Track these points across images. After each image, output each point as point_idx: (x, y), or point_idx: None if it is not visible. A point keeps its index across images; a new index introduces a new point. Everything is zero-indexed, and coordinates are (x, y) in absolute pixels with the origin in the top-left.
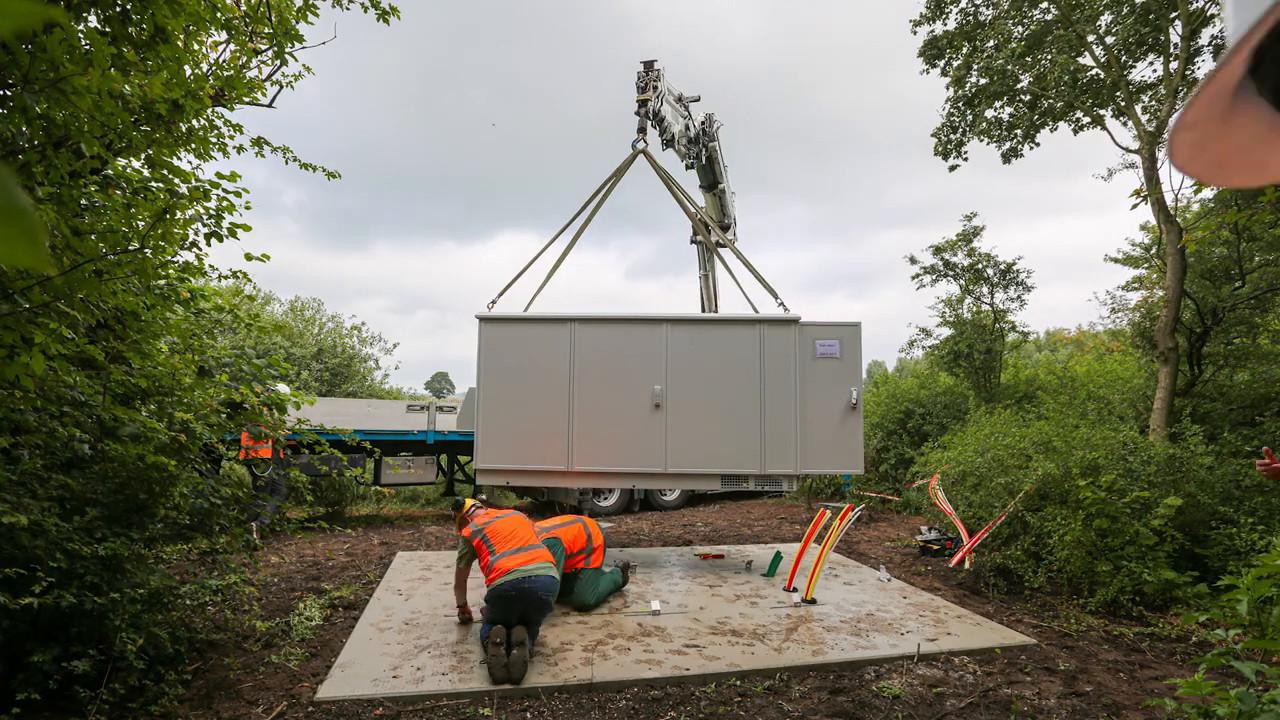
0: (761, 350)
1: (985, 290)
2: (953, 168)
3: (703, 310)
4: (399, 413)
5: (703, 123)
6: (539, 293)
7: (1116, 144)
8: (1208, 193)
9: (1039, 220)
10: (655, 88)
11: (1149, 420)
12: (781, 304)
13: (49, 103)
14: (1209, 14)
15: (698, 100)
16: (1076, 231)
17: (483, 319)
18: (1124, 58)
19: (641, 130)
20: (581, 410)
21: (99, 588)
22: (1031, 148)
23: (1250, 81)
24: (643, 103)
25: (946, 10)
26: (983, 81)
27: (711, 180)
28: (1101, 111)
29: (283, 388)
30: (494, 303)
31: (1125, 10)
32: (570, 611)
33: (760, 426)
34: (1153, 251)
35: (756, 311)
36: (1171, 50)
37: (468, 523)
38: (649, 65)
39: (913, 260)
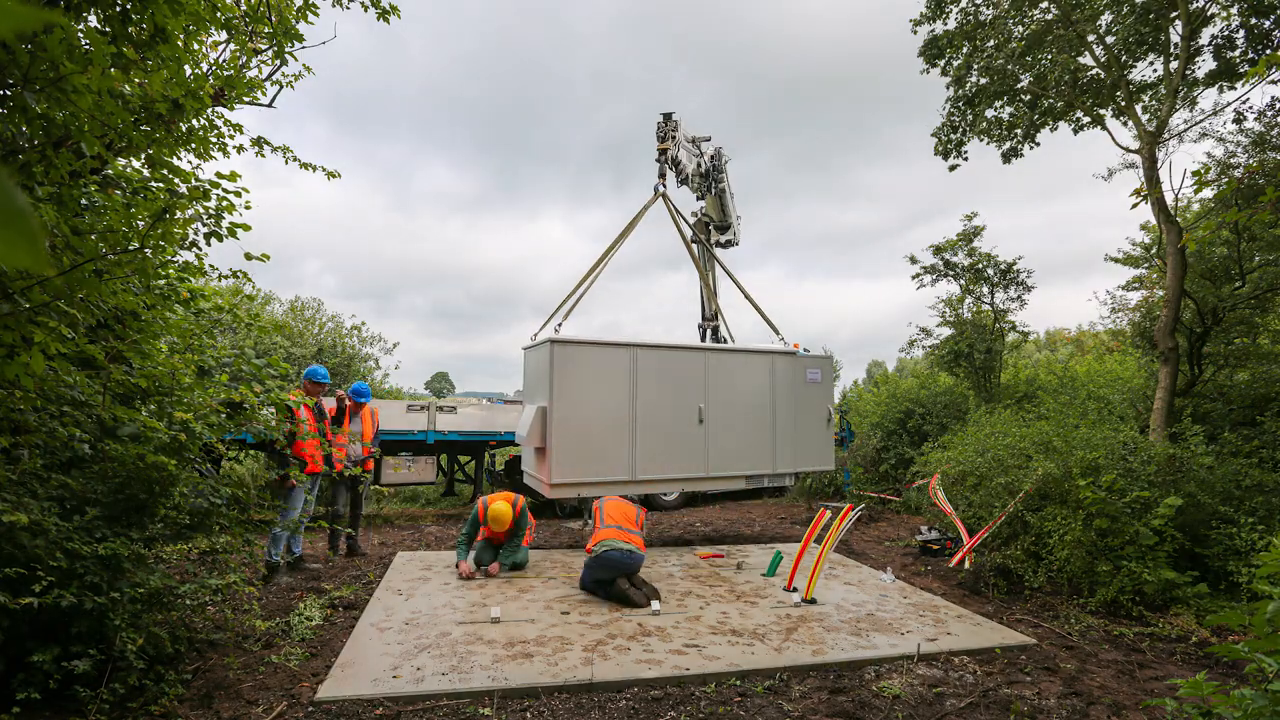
0: (773, 376)
1: (985, 290)
2: (953, 167)
3: (702, 309)
4: (399, 413)
5: (712, 157)
6: (571, 309)
7: (1116, 144)
8: (1208, 192)
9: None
10: (673, 137)
11: (1149, 420)
12: (782, 338)
13: (49, 102)
14: (1209, 14)
15: (709, 139)
16: None
17: (554, 341)
18: (1124, 57)
19: (661, 175)
20: (643, 425)
21: (99, 587)
22: (1031, 147)
23: None
24: (663, 151)
25: (946, 10)
26: (983, 81)
27: (721, 211)
28: (1101, 111)
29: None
30: (536, 334)
31: (1125, 10)
32: (571, 610)
33: (773, 435)
34: (1153, 251)
35: (761, 314)
36: (1171, 50)
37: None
38: (667, 116)
39: (913, 260)
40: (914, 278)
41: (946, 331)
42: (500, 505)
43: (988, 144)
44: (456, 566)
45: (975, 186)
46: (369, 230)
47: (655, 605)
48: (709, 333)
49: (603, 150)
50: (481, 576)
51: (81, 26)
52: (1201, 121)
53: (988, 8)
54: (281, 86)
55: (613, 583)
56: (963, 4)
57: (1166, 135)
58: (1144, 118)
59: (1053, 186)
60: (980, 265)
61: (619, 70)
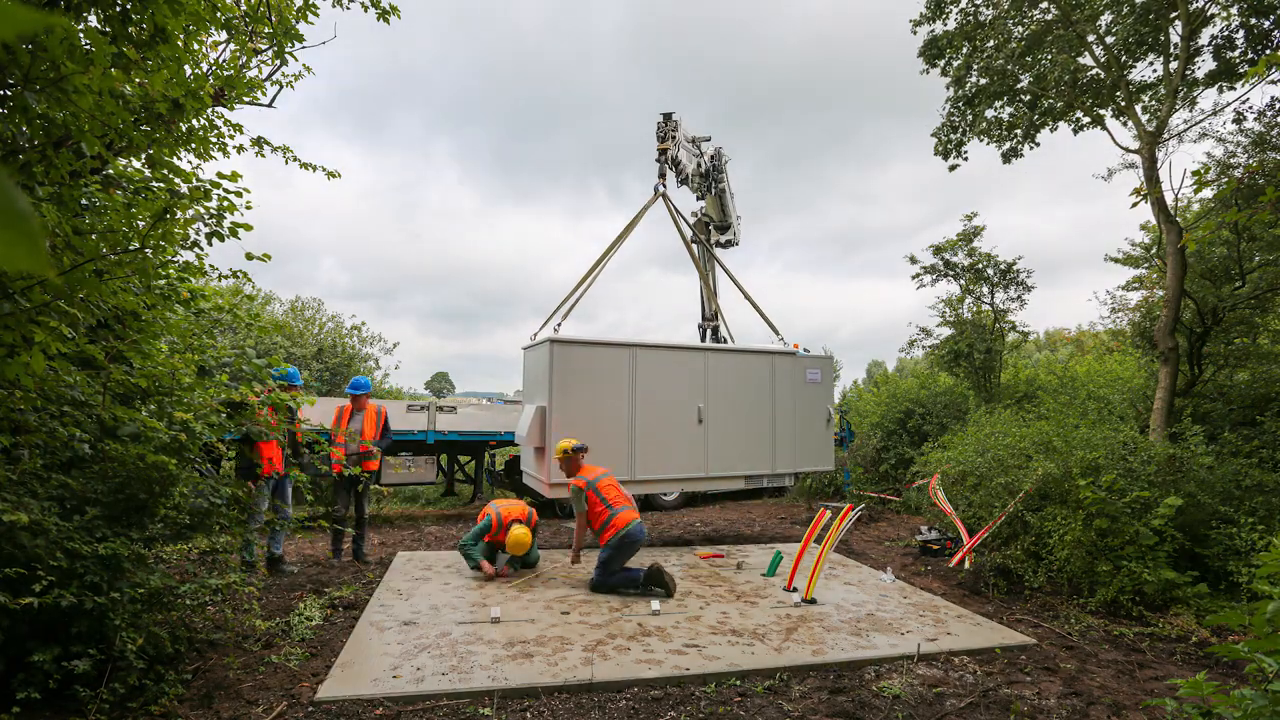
0: (773, 376)
1: (985, 290)
2: (953, 167)
3: (703, 308)
4: (399, 413)
5: (712, 158)
6: (571, 309)
7: (1116, 144)
8: (1208, 192)
9: None
10: (673, 137)
11: (1149, 420)
12: (781, 339)
13: (49, 102)
14: (1209, 14)
15: (709, 139)
16: None
17: (554, 341)
18: (1124, 58)
19: (661, 175)
20: (642, 425)
21: (99, 587)
22: (1031, 147)
23: None
24: (663, 151)
25: (946, 10)
26: (983, 81)
27: (721, 211)
28: (1101, 111)
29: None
30: (536, 334)
31: (1125, 10)
32: (571, 610)
33: (772, 435)
34: (1153, 251)
35: (761, 314)
36: (1171, 50)
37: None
38: (667, 116)
39: (913, 260)
40: (914, 278)
41: (946, 331)
42: (519, 531)
43: (988, 144)
44: (480, 568)
45: (980, 186)
46: (376, 229)
47: (655, 605)
48: (709, 333)
49: (609, 151)
50: (506, 574)
51: (82, 26)
52: (1201, 121)
53: (987, 8)
54: (281, 86)
55: (623, 566)
56: (962, 4)
57: (1166, 135)
58: (1144, 118)
59: (1062, 186)
60: (980, 265)
61: (622, 77)
